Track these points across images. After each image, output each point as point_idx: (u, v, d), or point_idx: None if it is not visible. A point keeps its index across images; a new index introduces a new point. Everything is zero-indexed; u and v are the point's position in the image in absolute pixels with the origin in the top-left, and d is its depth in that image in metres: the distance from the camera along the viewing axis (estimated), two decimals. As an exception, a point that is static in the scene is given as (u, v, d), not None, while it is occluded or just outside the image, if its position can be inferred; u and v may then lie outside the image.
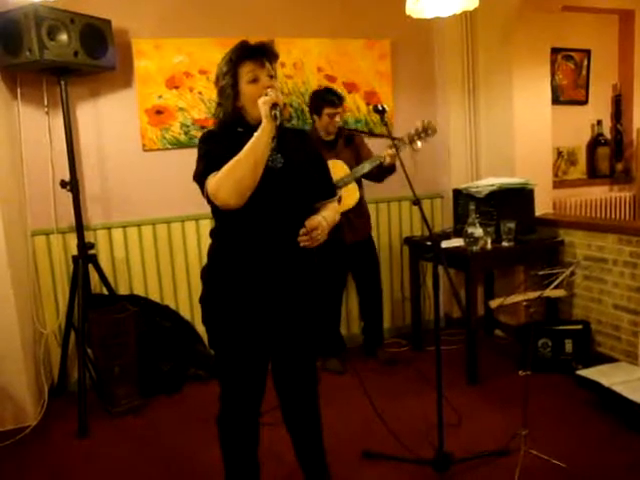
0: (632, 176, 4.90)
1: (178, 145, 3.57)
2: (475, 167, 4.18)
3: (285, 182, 1.85)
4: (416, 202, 2.31)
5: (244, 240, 1.86)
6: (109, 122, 3.46)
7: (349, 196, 3.38)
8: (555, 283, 2.28)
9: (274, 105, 1.76)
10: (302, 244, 1.82)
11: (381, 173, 3.39)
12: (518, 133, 3.83)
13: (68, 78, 3.12)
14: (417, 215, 4.20)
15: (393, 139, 3.08)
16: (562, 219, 3.68)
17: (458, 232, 3.61)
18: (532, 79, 3.81)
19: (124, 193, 3.53)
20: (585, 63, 4.73)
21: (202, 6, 3.54)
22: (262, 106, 1.76)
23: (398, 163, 2.99)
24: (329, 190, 2.05)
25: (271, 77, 1.87)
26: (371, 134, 3.56)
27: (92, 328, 3.18)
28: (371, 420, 2.75)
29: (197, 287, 3.65)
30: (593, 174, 4.85)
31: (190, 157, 3.54)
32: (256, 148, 1.74)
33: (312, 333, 2.04)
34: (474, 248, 3.27)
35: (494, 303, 2.25)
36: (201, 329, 3.67)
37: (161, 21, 3.46)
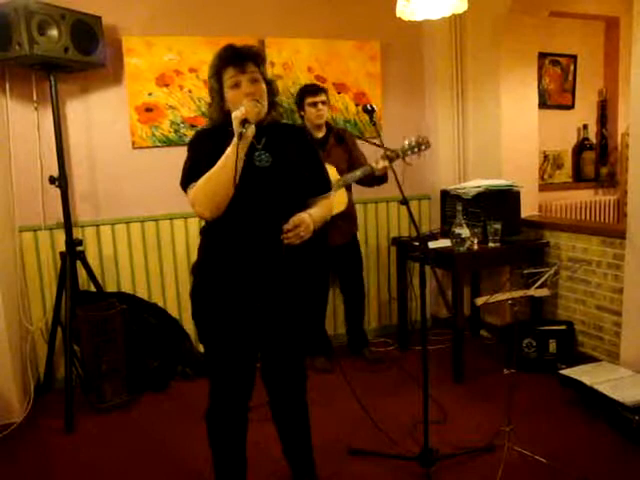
0: (616, 180, 4.98)
1: (168, 143, 3.57)
2: (462, 169, 4.23)
3: (272, 180, 1.86)
4: (404, 202, 2.34)
5: (232, 238, 1.87)
6: (98, 119, 3.46)
7: (337, 202, 3.40)
8: (539, 282, 2.32)
9: (243, 122, 1.75)
10: (285, 241, 1.83)
11: (372, 181, 3.43)
12: (505, 136, 3.88)
13: (58, 74, 3.11)
14: (405, 215, 4.24)
15: (388, 150, 3.11)
16: (547, 221, 3.74)
17: (445, 233, 3.64)
18: (520, 83, 3.86)
19: (113, 190, 3.53)
20: (572, 68, 4.81)
21: (193, 5, 3.55)
22: (233, 120, 1.77)
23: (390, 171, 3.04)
24: (322, 186, 2.05)
25: (255, 81, 1.86)
26: (366, 140, 3.59)
27: (79, 325, 3.17)
28: (358, 418, 2.78)
29: (185, 285, 3.72)
30: (578, 178, 4.92)
31: (180, 156, 3.54)
32: (226, 164, 1.76)
33: (301, 329, 2.06)
34: (461, 248, 3.30)
35: (480, 301, 2.28)
36: (189, 327, 3.68)
37: (152, 19, 3.46)
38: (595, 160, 4.95)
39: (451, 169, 4.22)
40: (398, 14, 2.99)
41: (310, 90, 3.42)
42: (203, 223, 2.00)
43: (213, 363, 1.97)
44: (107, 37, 3.23)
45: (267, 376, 2.11)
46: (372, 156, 3.43)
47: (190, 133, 3.55)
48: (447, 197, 3.76)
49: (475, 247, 3.36)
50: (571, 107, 4.86)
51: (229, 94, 1.86)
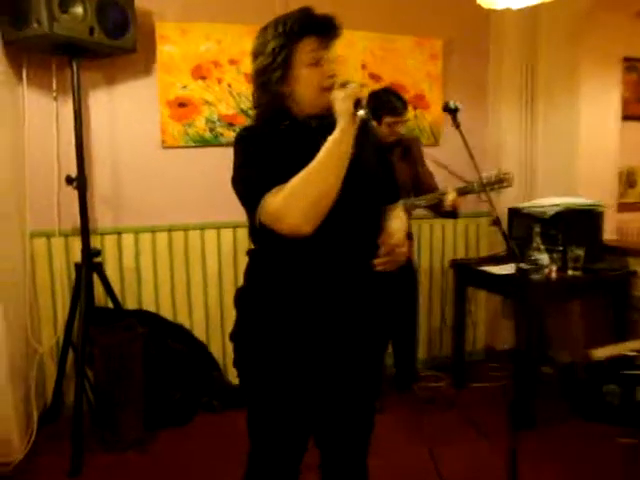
0: (695, 202, 4.44)
1: (202, 143, 3.16)
2: (529, 184, 3.75)
3: (352, 186, 1.40)
4: (496, 222, 1.89)
5: (300, 264, 1.42)
6: (125, 113, 3.06)
7: None
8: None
9: (358, 102, 1.35)
10: (379, 267, 1.41)
11: (438, 212, 2.95)
12: (584, 149, 3.41)
13: (81, 59, 2.71)
14: (461, 236, 3.79)
15: (462, 182, 2.69)
16: (633, 247, 3.24)
17: (513, 256, 3.17)
18: (602, 89, 3.40)
19: (138, 194, 3.12)
20: (649, 75, 4.31)
21: (236, -12, 3.15)
22: (342, 103, 1.36)
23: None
24: (395, 191, 1.64)
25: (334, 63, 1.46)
26: (439, 164, 3.09)
27: (94, 347, 2.77)
28: (416, 469, 2.32)
29: (215, 306, 3.29)
30: (653, 198, 4.40)
31: (215, 157, 3.09)
32: (336, 157, 1.33)
33: (379, 377, 1.61)
34: (537, 276, 2.83)
35: (600, 353, 1.81)
36: (218, 353, 3.26)
37: (188, 3, 3.07)
38: (672, 179, 4.42)
39: (516, 184, 3.71)
40: (478, 1, 2.56)
41: (393, 109, 2.88)
42: (254, 243, 1.54)
43: (257, 424, 1.52)
44: (138, 21, 2.83)
45: (325, 439, 1.65)
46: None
47: (228, 133, 3.14)
48: (516, 216, 3.28)
49: (553, 275, 2.88)
50: (647, 119, 4.36)
51: (303, 72, 1.42)
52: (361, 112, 1.36)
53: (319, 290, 1.41)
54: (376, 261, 1.42)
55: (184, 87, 3.10)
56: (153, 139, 3.10)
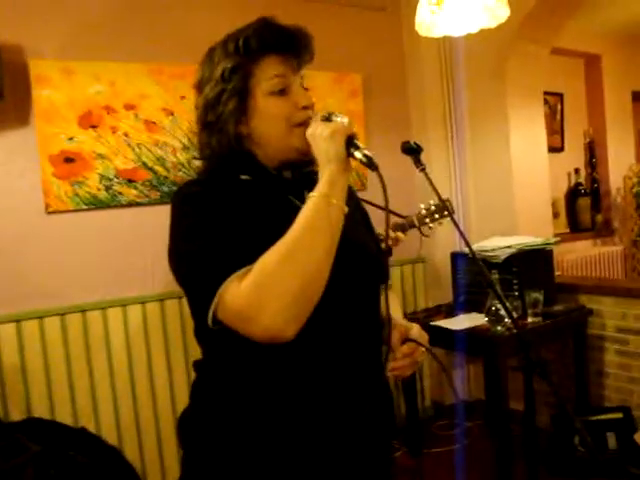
0: (612, 229, 4.47)
1: (96, 205, 2.61)
2: (464, 224, 3.52)
3: (343, 263, 0.99)
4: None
5: (278, 380, 0.99)
6: (-4, 173, 2.47)
7: None
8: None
9: (350, 139, 0.97)
10: (395, 373, 1.04)
11: None
12: (517, 183, 3.24)
13: None
14: (409, 284, 3.48)
15: (399, 217, 2.40)
16: (584, 283, 3.05)
17: (463, 307, 2.91)
18: (528, 121, 3.29)
19: (17, 273, 2.48)
20: (559, 107, 4.32)
21: (130, 20, 2.68)
22: (328, 142, 0.97)
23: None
24: (385, 267, 1.25)
25: (306, 89, 1.09)
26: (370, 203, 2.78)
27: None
28: None
29: (126, 397, 2.63)
30: (575, 227, 4.36)
31: (113, 221, 2.65)
32: (325, 221, 0.93)
33: None
34: (499, 328, 2.55)
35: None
36: (133, 455, 2.66)
37: (71, 36, 2.55)
38: (590, 207, 4.42)
39: (450, 225, 3.50)
40: (417, 27, 2.31)
41: None
42: (205, 352, 1.08)
43: None
44: (5, 59, 2.30)
45: None
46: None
47: (128, 191, 2.64)
48: (460, 261, 3.02)
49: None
50: (561, 150, 4.35)
51: (265, 103, 1.03)
52: (358, 154, 0.97)
53: (312, 419, 0.99)
54: (392, 365, 1.02)
55: (70, 139, 2.56)
56: (34, 203, 2.50)
